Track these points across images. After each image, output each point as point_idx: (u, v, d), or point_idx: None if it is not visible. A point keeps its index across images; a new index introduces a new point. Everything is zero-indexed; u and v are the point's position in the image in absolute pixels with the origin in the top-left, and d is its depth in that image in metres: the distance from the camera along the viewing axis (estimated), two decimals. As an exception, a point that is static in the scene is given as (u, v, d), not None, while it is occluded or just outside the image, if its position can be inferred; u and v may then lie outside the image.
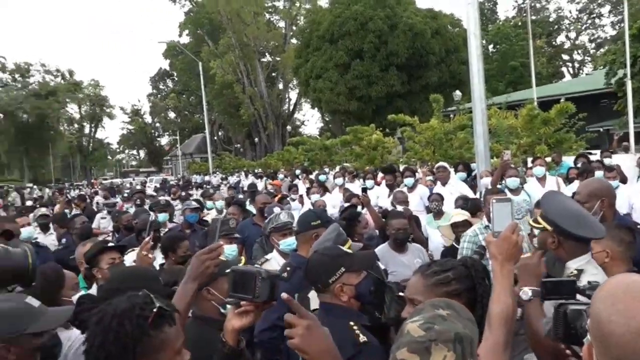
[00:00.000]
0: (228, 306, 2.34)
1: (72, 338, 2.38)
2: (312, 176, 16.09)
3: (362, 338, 2.51)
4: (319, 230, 3.80)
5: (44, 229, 8.01)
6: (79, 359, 2.39)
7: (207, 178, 34.35)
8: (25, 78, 77.03)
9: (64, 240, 6.69)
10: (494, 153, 12.36)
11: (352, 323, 2.58)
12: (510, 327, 1.92)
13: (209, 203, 10.37)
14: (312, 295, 3.01)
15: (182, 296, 1.98)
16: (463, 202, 6.53)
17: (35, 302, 2.03)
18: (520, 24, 53.18)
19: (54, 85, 74.79)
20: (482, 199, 7.63)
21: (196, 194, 15.85)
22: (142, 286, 2.19)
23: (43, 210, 8.29)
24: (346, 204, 6.77)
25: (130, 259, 5.18)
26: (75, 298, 2.81)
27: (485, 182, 7.80)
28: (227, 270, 2.50)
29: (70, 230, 6.09)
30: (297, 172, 18.58)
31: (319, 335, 1.66)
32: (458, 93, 25.91)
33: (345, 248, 3.26)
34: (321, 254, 2.74)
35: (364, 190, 7.00)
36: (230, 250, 4.69)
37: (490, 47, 51.53)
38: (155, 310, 1.57)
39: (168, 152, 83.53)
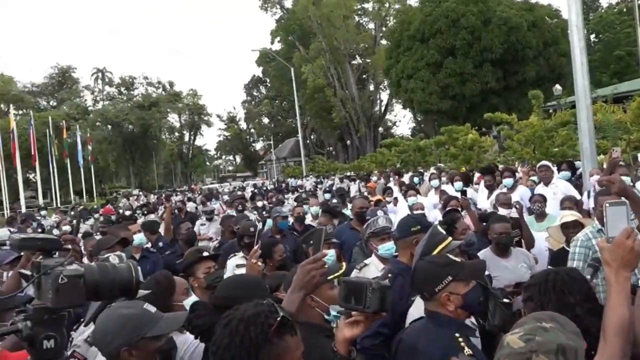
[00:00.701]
0: (332, 312, 2.36)
1: (187, 342, 2.49)
2: (405, 178, 15.91)
3: (467, 351, 2.44)
4: (419, 235, 3.74)
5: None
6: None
7: (300, 182, 34.86)
8: (129, 91, 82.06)
9: (160, 244, 6.97)
10: (601, 150, 11.68)
11: (457, 334, 2.51)
12: (627, 337, 1.81)
13: (306, 207, 10.46)
14: (419, 302, 2.95)
15: (289, 305, 2.02)
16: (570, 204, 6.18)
17: (152, 308, 2.17)
18: (625, 10, 49.94)
19: (156, 97, 78.97)
20: (588, 198, 7.25)
21: (291, 197, 16.12)
22: (252, 294, 2.26)
23: (152, 216, 8.76)
24: (446, 208, 6.60)
25: (232, 263, 5.34)
26: (186, 302, 2.94)
27: (595, 180, 7.36)
28: (330, 277, 2.53)
29: (176, 237, 6.38)
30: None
31: None
32: (558, 87, 24.68)
33: (443, 245, 3.19)
34: (428, 262, 2.70)
35: (463, 192, 6.82)
36: (328, 255, 4.72)
37: (592, 36, 48.82)
38: (279, 319, 1.62)
39: (263, 157, 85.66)
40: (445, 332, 2.53)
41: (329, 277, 2.56)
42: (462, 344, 2.48)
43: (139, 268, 1.43)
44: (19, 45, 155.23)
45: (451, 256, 2.66)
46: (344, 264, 2.74)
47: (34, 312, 1.18)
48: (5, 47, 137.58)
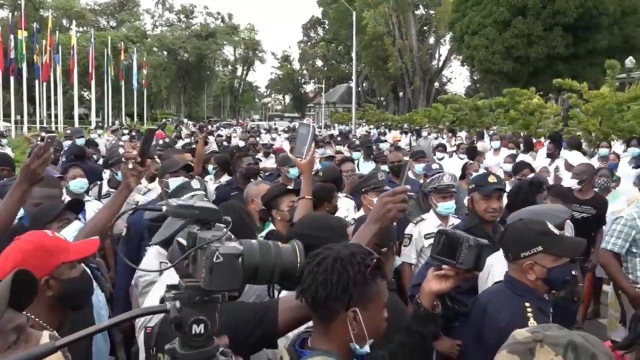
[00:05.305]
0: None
1: None
2: (462, 136, 15.56)
3: (532, 322, 2.35)
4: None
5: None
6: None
7: (349, 128, 34.54)
8: (189, 19, 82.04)
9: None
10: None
11: (527, 304, 2.44)
12: None
13: (355, 154, 10.29)
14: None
15: (360, 239, 1.92)
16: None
17: None
18: None
19: (214, 28, 78.75)
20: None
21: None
22: (330, 236, 2.17)
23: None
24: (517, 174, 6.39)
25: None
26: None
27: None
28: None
29: (235, 169, 6.39)
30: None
31: None
32: (632, 60, 23.34)
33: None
34: (525, 225, 2.56)
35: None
36: None
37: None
38: (374, 260, 1.60)
39: (312, 100, 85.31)
40: (517, 299, 2.48)
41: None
42: (529, 314, 2.40)
43: (301, 247, 1.28)
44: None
45: (551, 226, 2.51)
46: None
47: (184, 291, 1.06)
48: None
